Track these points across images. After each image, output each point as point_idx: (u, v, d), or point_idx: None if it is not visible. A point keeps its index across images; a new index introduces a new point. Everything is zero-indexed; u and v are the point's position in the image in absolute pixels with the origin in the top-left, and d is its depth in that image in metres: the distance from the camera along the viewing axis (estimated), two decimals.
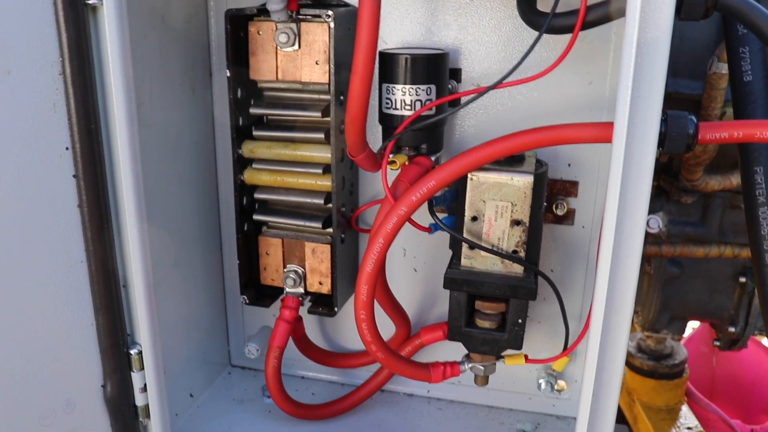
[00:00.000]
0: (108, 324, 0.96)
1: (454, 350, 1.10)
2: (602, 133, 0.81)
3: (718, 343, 1.57)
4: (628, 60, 0.69)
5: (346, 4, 1.06)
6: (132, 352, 0.99)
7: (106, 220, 0.92)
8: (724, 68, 1.08)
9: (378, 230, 0.90)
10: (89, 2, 0.84)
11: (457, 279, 0.95)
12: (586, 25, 0.86)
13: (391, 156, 0.96)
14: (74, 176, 0.88)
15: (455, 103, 1.04)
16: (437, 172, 0.88)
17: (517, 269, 0.94)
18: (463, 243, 0.95)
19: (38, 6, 0.81)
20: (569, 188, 1.06)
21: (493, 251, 0.93)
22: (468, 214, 0.93)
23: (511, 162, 0.93)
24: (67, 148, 0.87)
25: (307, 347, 1.19)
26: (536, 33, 0.97)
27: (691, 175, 1.23)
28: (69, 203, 0.89)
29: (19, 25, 0.79)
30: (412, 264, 1.18)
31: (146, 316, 0.97)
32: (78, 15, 0.84)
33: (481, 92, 0.87)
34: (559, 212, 1.06)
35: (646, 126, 0.70)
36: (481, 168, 0.90)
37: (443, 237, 1.03)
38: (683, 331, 1.57)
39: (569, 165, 1.06)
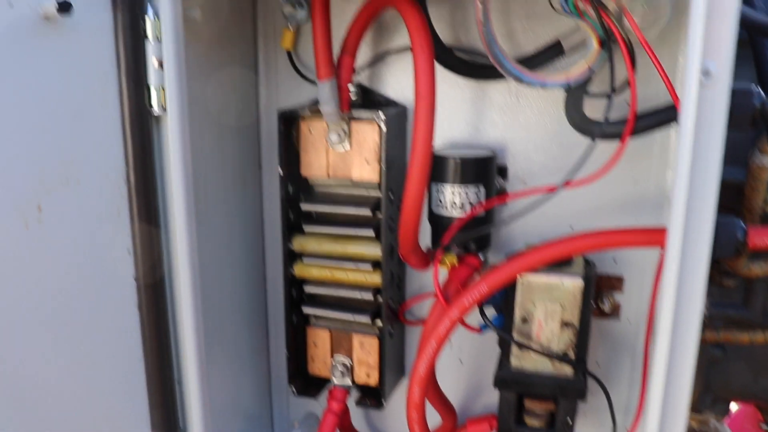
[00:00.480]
0: (163, 420, 0.97)
1: None
2: (653, 238, 0.83)
3: (766, 427, 1.55)
4: (683, 169, 0.70)
5: (395, 103, 1.09)
6: None
7: (163, 320, 0.95)
8: (766, 161, 1.09)
9: (431, 333, 0.91)
10: (154, 114, 0.87)
11: (507, 379, 0.96)
12: (636, 131, 0.88)
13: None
14: (135, 279, 0.91)
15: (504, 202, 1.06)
16: (489, 276, 0.90)
17: (567, 369, 0.95)
18: (513, 344, 0.96)
19: (107, 117, 0.84)
20: (615, 283, 1.07)
21: (543, 353, 0.94)
22: (518, 314, 0.94)
23: (560, 264, 0.94)
24: (129, 252, 0.90)
25: None
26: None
27: (735, 264, 1.24)
28: (129, 305, 0.91)
29: (89, 137, 0.82)
30: (458, 355, 1.19)
31: (200, 412, 0.98)
32: (143, 124, 0.87)
33: (541, 199, 0.89)
34: (606, 308, 1.07)
35: (700, 234, 0.72)
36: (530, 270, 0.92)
37: (488, 333, 1.04)
38: (727, 412, 1.56)
39: (614, 260, 1.07)
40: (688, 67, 0.68)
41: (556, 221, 1.07)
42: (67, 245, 0.82)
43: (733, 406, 1.85)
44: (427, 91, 0.85)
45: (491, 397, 1.18)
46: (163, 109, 0.87)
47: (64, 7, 0.76)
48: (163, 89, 0.87)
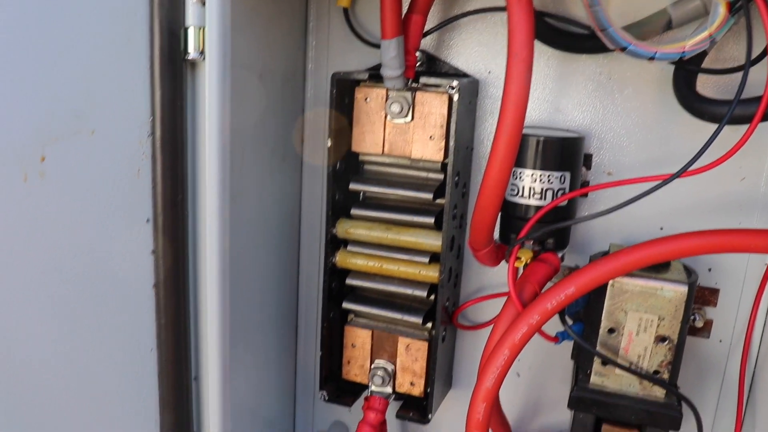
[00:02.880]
0: (174, 422, 0.83)
1: None
2: None
3: None
4: None
5: (465, 74, 0.94)
6: None
7: (182, 304, 0.81)
8: None
9: (503, 340, 0.76)
10: (189, 57, 0.73)
11: (585, 399, 0.81)
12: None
13: None
14: (153, 252, 0.77)
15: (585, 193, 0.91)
16: (578, 276, 0.75)
17: (658, 392, 0.81)
18: (595, 358, 0.81)
19: (132, 60, 0.71)
20: (708, 296, 0.93)
21: (632, 370, 0.79)
22: (604, 324, 0.80)
23: (657, 268, 0.79)
24: (147, 221, 0.75)
25: None
26: (683, 118, 0.86)
27: None
28: (144, 282, 0.77)
29: (109, 81, 0.69)
30: (515, 367, 1.04)
31: (219, 415, 0.85)
32: (176, 70, 0.73)
33: (660, 183, 0.74)
34: (697, 324, 0.92)
35: None
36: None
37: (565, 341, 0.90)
38: None
39: (710, 270, 0.92)
40: None
41: (643, 221, 0.92)
42: (73, 207, 0.68)
43: None
44: (523, 48, 0.69)
45: (550, 418, 1.05)
46: (201, 53, 0.73)
47: None
48: (203, 30, 0.73)
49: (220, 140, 0.76)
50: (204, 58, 0.74)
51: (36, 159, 0.63)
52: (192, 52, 0.74)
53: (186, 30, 0.73)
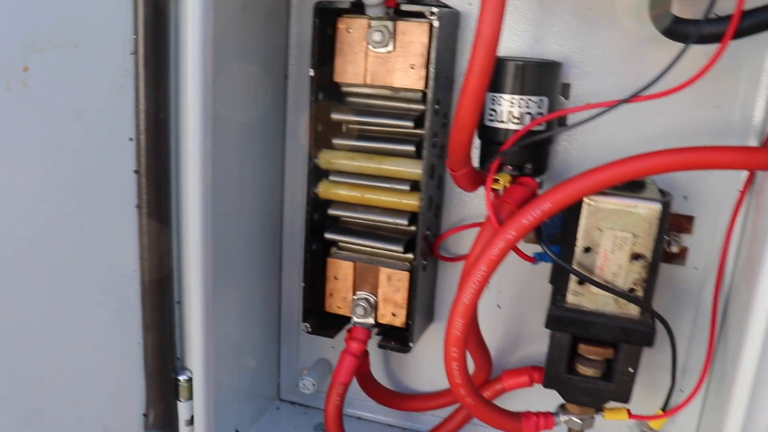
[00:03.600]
0: (157, 344, 0.85)
1: (538, 399, 0.97)
2: (760, 159, 0.69)
3: None
4: None
5: (446, 5, 0.95)
6: (181, 378, 0.89)
7: (165, 226, 0.82)
8: None
9: (481, 256, 0.78)
10: None
11: (562, 317, 0.83)
12: (738, 34, 0.75)
13: None
14: (135, 171, 0.78)
15: (563, 121, 0.93)
16: (553, 192, 0.76)
17: (633, 310, 0.82)
18: (571, 277, 0.83)
19: None
20: (684, 224, 0.94)
21: (607, 288, 0.81)
22: (580, 244, 0.81)
23: (631, 188, 0.81)
24: (130, 139, 0.77)
25: (371, 386, 1.07)
26: (659, 48, 0.87)
27: None
28: (127, 202, 0.78)
29: None
30: (496, 299, 1.05)
31: (201, 339, 0.87)
32: None
33: (612, 106, 0.76)
34: (672, 249, 0.94)
35: None
36: (599, 192, 0.78)
37: (532, 272, 0.91)
38: None
39: (685, 197, 0.94)
40: None
41: (621, 148, 0.92)
42: (58, 121, 0.68)
43: None
44: None
45: (530, 349, 1.06)
46: None
47: None
48: None
49: (202, 64, 0.78)
50: None
51: (19, 68, 0.63)
52: None
53: None
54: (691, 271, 0.96)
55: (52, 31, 0.66)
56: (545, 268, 0.91)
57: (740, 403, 0.65)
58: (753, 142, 0.89)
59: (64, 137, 0.69)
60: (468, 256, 0.83)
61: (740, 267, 0.92)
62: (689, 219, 0.94)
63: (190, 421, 0.90)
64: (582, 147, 0.96)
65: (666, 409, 0.92)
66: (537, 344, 1.04)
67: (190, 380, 0.89)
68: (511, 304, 1.05)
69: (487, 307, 1.06)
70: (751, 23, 0.75)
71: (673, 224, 0.94)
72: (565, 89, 0.93)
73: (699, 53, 0.81)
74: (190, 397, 0.89)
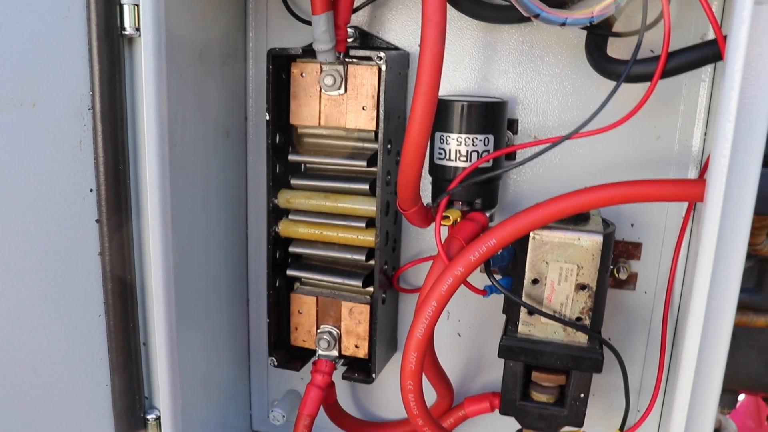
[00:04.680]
0: (124, 385, 0.87)
1: (499, 424, 1.00)
2: (690, 191, 0.73)
3: None
4: (726, 111, 0.58)
5: (396, 48, 0.99)
6: (149, 417, 0.91)
7: (128, 270, 0.84)
8: None
9: (431, 292, 0.81)
10: (126, 33, 0.77)
11: (513, 347, 0.86)
12: (667, 73, 0.78)
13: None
14: (97, 221, 0.81)
15: (511, 157, 0.96)
16: (498, 229, 0.80)
17: (581, 338, 0.86)
18: (521, 308, 0.86)
19: (70, 34, 0.74)
20: (632, 250, 0.98)
21: (555, 318, 0.84)
22: (528, 276, 0.84)
23: (575, 220, 0.84)
24: (91, 190, 0.79)
25: (338, 415, 1.09)
26: (600, 83, 0.91)
27: (754, 239, 1.14)
28: (90, 250, 0.81)
29: (48, 55, 0.72)
30: (456, 328, 1.08)
31: (167, 378, 0.89)
32: (113, 45, 0.77)
33: (554, 143, 0.79)
34: (621, 276, 0.97)
35: (744, 184, 0.61)
36: (544, 226, 0.82)
37: (490, 300, 0.95)
38: (734, 405, 1.46)
39: (632, 225, 0.97)
40: None
41: (568, 181, 0.98)
42: (18, 178, 0.71)
43: (741, 398, 1.77)
44: (436, 13, 0.74)
45: (491, 375, 1.09)
46: (137, 29, 0.77)
47: None
48: (137, 7, 0.76)
49: (157, 114, 0.80)
50: (140, 35, 0.78)
51: None
52: (128, 28, 0.77)
53: (122, 6, 0.77)
54: (641, 295, 1.00)
55: (10, 91, 0.69)
56: (501, 297, 0.94)
57: (681, 417, 0.68)
58: (693, 171, 0.93)
59: (26, 191, 0.72)
60: (420, 291, 0.86)
61: (686, 289, 0.95)
62: (637, 246, 0.98)
63: None
64: (531, 180, 0.99)
65: (623, 428, 0.95)
66: (497, 370, 1.05)
67: (158, 418, 0.91)
68: (471, 332, 1.08)
69: (447, 335, 1.09)
70: (679, 63, 0.78)
71: (622, 251, 0.98)
72: (513, 124, 0.97)
73: (640, 87, 0.85)
74: None
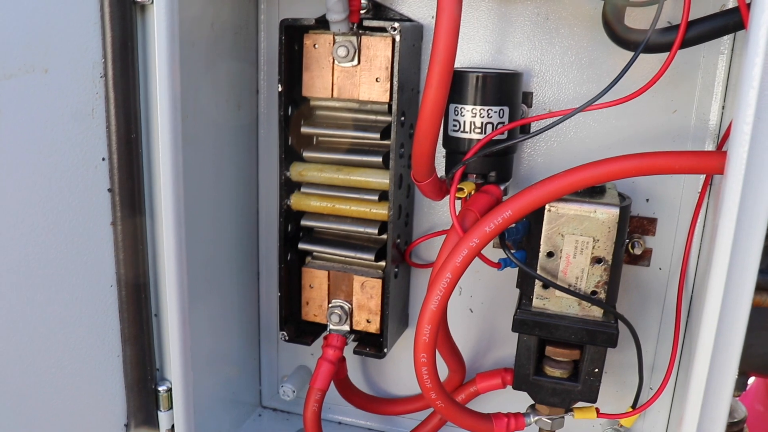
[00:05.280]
0: (136, 356, 0.87)
1: (511, 400, 1.00)
2: (710, 163, 0.72)
3: None
4: (750, 78, 0.57)
5: (410, 19, 0.98)
6: (160, 389, 0.90)
7: (140, 241, 0.84)
8: None
9: (445, 264, 0.80)
10: (138, 0, 0.76)
11: (528, 321, 0.85)
12: (686, 43, 0.77)
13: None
14: (109, 190, 0.80)
15: (527, 129, 0.95)
16: (514, 200, 0.79)
17: (596, 312, 0.85)
18: (536, 282, 0.85)
19: (83, 1, 0.73)
20: (646, 225, 0.97)
21: (570, 291, 0.83)
22: (543, 249, 0.83)
23: (591, 193, 0.83)
24: (103, 159, 0.79)
25: (349, 391, 1.09)
26: (617, 55, 0.90)
27: None
28: (102, 219, 0.80)
29: (60, 20, 0.71)
30: (468, 304, 1.08)
31: (179, 349, 0.88)
32: (125, 12, 0.77)
33: (568, 114, 0.78)
34: (636, 251, 0.97)
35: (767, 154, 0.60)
36: (560, 199, 0.81)
37: (503, 275, 0.94)
38: (744, 387, 1.46)
39: (647, 200, 0.96)
40: None
41: (583, 155, 0.97)
42: (30, 144, 0.70)
43: (752, 381, 1.77)
44: None
45: (503, 351, 1.09)
46: None
47: None
48: None
49: (170, 84, 0.79)
50: (152, 2, 0.77)
51: None
52: None
53: None
54: (655, 271, 0.99)
55: (22, 57, 0.68)
56: (514, 272, 0.93)
57: (696, 398, 0.68)
58: (710, 145, 0.92)
59: (38, 160, 0.71)
60: (434, 264, 0.86)
61: (701, 266, 0.94)
62: (652, 221, 0.97)
63: (172, 430, 0.91)
64: (546, 154, 0.98)
65: (635, 406, 0.94)
66: (509, 346, 1.06)
67: (169, 390, 0.90)
68: (483, 308, 1.08)
69: (459, 311, 1.08)
70: (698, 33, 0.77)
71: (636, 226, 0.97)
72: (528, 97, 0.96)
73: (656, 59, 0.84)
74: (171, 407, 0.91)
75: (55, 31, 0.71)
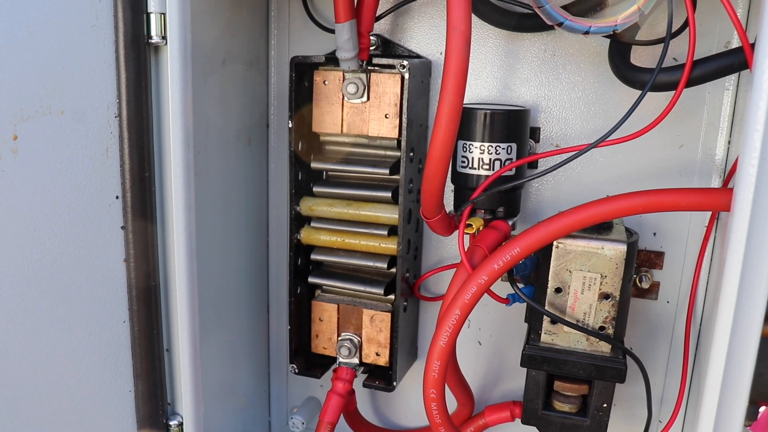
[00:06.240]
0: (148, 391, 0.88)
1: None
2: (716, 200, 0.73)
3: None
4: (754, 120, 0.57)
5: (418, 56, 0.99)
6: (172, 423, 0.91)
7: (153, 278, 0.85)
8: None
9: (454, 301, 0.81)
10: (152, 41, 0.78)
11: (536, 356, 0.86)
12: (691, 82, 0.78)
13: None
14: (122, 228, 0.81)
15: (534, 165, 0.96)
16: (522, 237, 0.80)
17: (604, 347, 0.85)
18: (544, 317, 0.86)
19: (98, 42, 0.75)
20: (654, 259, 0.98)
21: (578, 327, 0.84)
22: (551, 285, 0.84)
23: (599, 229, 0.84)
24: (117, 197, 0.80)
25: (358, 423, 1.09)
26: (622, 91, 0.91)
27: None
28: (115, 257, 0.81)
29: (76, 63, 0.73)
30: (477, 336, 1.08)
31: (190, 384, 0.89)
32: (140, 54, 0.78)
33: (581, 151, 0.79)
34: (644, 285, 0.97)
35: None
36: (567, 235, 0.82)
37: (511, 308, 0.94)
38: (755, 417, 1.46)
39: (654, 234, 0.97)
40: None
41: (591, 189, 0.97)
42: (47, 184, 0.72)
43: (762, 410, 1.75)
44: (461, 21, 0.74)
45: (512, 384, 1.09)
46: (163, 38, 0.78)
47: None
48: (164, 16, 0.77)
49: (183, 121, 0.80)
50: (166, 43, 0.78)
51: (9, 137, 0.67)
52: (155, 36, 0.78)
53: (148, 15, 0.78)
54: (663, 305, 0.99)
55: (39, 99, 0.69)
56: (523, 305, 0.94)
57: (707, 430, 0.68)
58: (716, 180, 0.93)
59: (53, 199, 0.72)
60: (443, 300, 0.86)
61: (709, 299, 0.95)
62: (659, 255, 0.97)
63: None
64: (554, 188, 0.99)
65: None
66: (518, 379, 1.06)
67: (180, 425, 0.91)
68: (491, 341, 1.08)
69: (467, 344, 1.09)
70: (703, 72, 0.78)
71: (644, 260, 0.98)
72: (536, 132, 0.97)
73: (662, 96, 0.85)
74: None
75: (72, 73, 0.72)
